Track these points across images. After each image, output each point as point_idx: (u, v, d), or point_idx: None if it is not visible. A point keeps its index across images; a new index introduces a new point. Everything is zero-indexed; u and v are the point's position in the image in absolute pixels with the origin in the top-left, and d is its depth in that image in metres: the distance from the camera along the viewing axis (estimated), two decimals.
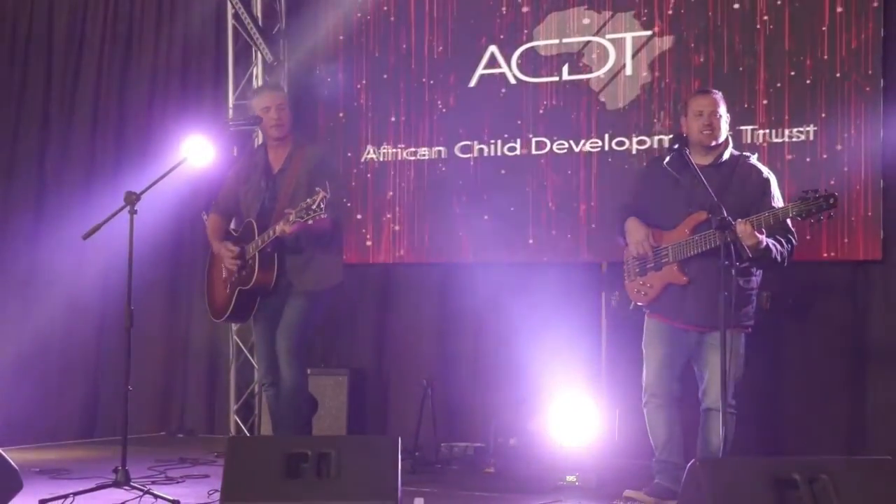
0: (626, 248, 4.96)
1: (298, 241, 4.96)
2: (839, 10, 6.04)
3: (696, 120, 4.79)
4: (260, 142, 7.15)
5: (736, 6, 6.25)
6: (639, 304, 4.94)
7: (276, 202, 5.06)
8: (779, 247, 4.66)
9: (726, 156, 4.81)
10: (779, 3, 6.17)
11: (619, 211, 5.03)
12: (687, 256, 4.71)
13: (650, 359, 4.90)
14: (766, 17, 6.19)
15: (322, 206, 4.63)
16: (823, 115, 6.06)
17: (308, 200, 4.66)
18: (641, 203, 4.96)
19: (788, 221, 4.69)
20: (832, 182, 5.93)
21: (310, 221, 4.68)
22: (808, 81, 6.09)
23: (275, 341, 5.11)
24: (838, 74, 6.03)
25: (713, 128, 4.76)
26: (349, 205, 6.89)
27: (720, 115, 4.78)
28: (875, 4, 5.98)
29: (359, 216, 7.03)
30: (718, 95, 4.88)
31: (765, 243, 4.56)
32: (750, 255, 4.55)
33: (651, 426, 4.88)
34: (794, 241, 4.72)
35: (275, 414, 5.26)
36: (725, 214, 4.41)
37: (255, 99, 5.36)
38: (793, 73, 6.13)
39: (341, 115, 7.16)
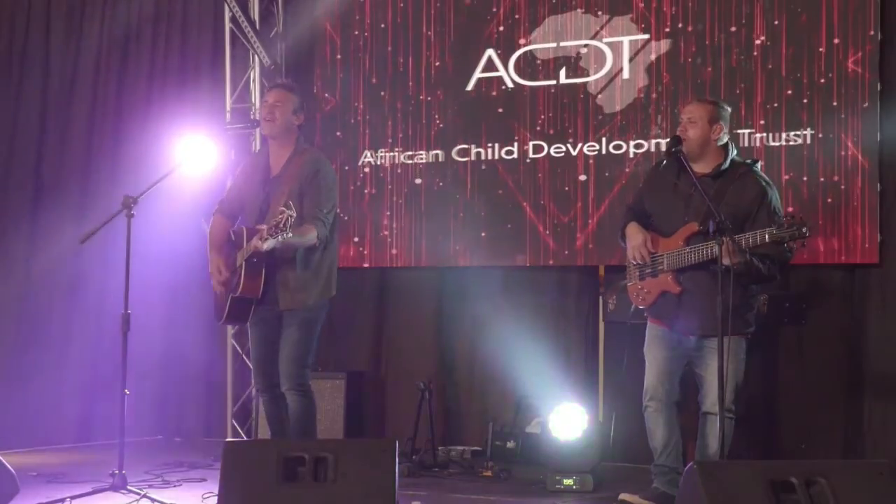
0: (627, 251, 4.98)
1: (283, 254, 4.92)
2: (837, 14, 6.04)
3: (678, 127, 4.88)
4: (259, 144, 7.17)
5: (734, 7, 6.26)
6: (639, 307, 4.97)
7: (269, 208, 5.03)
8: (766, 262, 4.64)
9: (726, 165, 4.81)
10: (777, 7, 6.18)
11: (624, 213, 5.06)
12: (681, 266, 4.72)
13: (650, 363, 4.90)
14: (764, 19, 6.20)
15: (287, 226, 4.57)
16: (820, 118, 6.06)
17: (277, 218, 4.61)
18: (645, 205, 4.97)
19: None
20: (824, 189, 5.96)
21: (279, 239, 4.64)
22: (805, 85, 6.09)
23: (268, 350, 5.09)
24: (836, 78, 6.03)
25: (685, 134, 4.78)
26: (345, 218, 6.89)
27: (696, 123, 4.79)
28: (873, 8, 5.99)
29: (357, 220, 7.03)
30: (706, 104, 4.87)
31: (747, 260, 4.55)
32: (736, 271, 4.54)
33: (651, 430, 4.88)
34: (787, 253, 4.69)
35: (271, 419, 5.24)
36: (723, 218, 4.41)
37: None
38: (790, 77, 6.13)
39: (338, 119, 7.16)
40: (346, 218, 6.95)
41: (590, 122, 6.57)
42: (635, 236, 4.87)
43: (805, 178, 6.05)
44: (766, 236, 4.48)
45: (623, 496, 4.91)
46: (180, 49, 7.70)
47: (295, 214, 4.66)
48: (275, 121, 5.05)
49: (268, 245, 4.70)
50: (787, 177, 6.07)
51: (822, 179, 6.03)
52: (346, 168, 7.06)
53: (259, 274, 4.94)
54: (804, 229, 4.42)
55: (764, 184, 4.79)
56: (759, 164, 4.91)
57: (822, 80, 6.06)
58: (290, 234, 4.61)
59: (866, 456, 5.85)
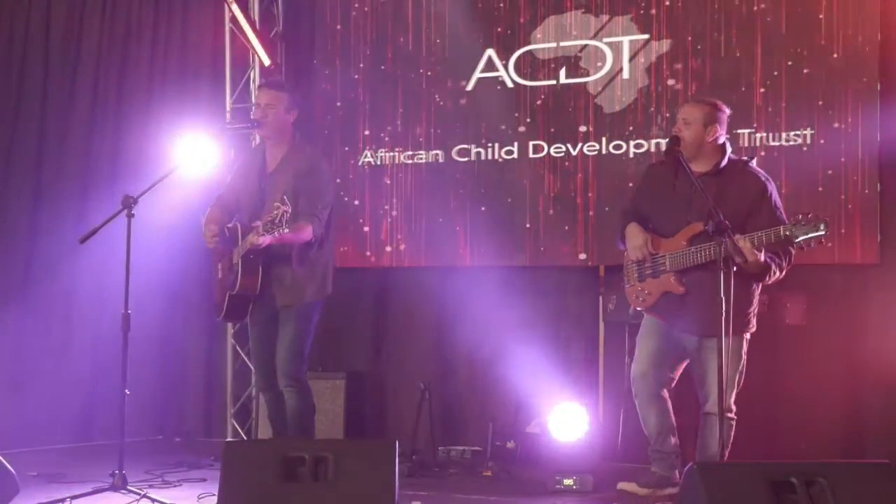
0: (626, 253, 4.97)
1: (279, 251, 4.93)
2: (837, 15, 6.04)
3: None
4: (259, 141, 7.17)
5: (736, 1, 6.26)
6: (638, 308, 4.97)
7: (264, 205, 5.04)
8: (777, 259, 4.65)
9: (724, 162, 4.81)
10: (777, 7, 6.18)
11: (621, 215, 5.05)
12: (684, 267, 4.71)
13: (640, 351, 4.93)
14: (764, 21, 6.20)
15: (283, 221, 4.58)
16: (820, 118, 6.06)
17: (273, 214, 4.61)
18: (643, 206, 4.97)
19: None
20: (824, 189, 5.97)
21: (276, 234, 4.64)
22: (805, 85, 6.10)
23: (268, 349, 5.10)
24: (836, 78, 6.03)
25: (680, 135, 4.78)
26: (344, 220, 6.89)
27: (691, 125, 4.79)
28: (872, 10, 5.99)
29: (356, 220, 7.03)
30: (702, 106, 4.86)
31: (763, 259, 4.55)
32: (749, 270, 4.53)
33: (643, 417, 4.95)
34: (793, 250, 4.70)
35: (273, 417, 5.25)
36: (722, 218, 4.41)
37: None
38: (790, 77, 6.13)
39: (338, 118, 7.16)
40: (345, 220, 6.95)
41: (590, 123, 6.57)
42: (636, 236, 4.86)
43: (804, 179, 6.04)
44: (782, 234, 4.46)
45: (621, 485, 4.97)
46: (180, 49, 7.70)
47: (290, 209, 4.68)
48: (268, 122, 5.07)
49: (264, 240, 4.71)
50: (786, 176, 6.06)
51: (821, 181, 6.03)
52: (346, 168, 7.06)
53: (256, 271, 4.95)
54: (821, 226, 4.40)
55: (763, 179, 4.80)
56: (754, 161, 4.93)
57: (822, 79, 6.06)
58: (286, 230, 4.62)
59: (866, 456, 5.85)
